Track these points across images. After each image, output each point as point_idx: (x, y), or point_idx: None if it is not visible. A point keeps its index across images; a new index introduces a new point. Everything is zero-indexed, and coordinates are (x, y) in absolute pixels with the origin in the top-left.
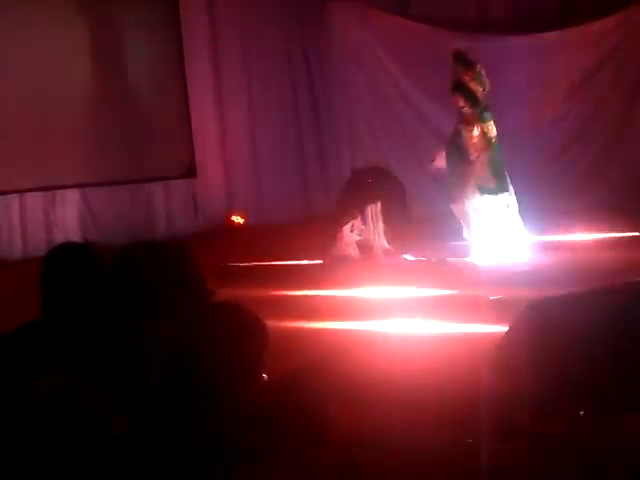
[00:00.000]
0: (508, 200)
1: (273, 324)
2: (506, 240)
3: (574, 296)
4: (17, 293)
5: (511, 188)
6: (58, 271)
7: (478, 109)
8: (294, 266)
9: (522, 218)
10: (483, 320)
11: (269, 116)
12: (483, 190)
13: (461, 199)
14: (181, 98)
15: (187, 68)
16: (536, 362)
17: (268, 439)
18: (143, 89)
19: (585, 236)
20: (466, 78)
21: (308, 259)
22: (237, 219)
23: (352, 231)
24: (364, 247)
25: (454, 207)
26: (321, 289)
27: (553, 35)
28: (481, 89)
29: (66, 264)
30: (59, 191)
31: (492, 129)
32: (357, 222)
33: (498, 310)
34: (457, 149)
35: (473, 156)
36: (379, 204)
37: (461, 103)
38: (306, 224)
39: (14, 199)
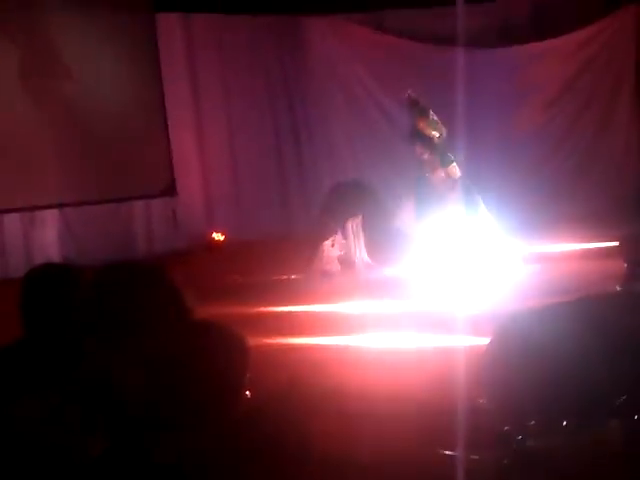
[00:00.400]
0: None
1: (255, 341)
2: (488, 255)
3: (555, 307)
4: None
5: (483, 209)
6: (38, 292)
7: (438, 155)
8: (275, 282)
9: (503, 228)
10: (465, 333)
11: (248, 133)
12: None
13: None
14: (160, 117)
15: (166, 87)
16: (518, 374)
17: (251, 456)
18: (122, 108)
19: (565, 246)
20: (421, 125)
21: (289, 275)
22: (217, 236)
23: (333, 246)
24: (345, 262)
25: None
26: (303, 305)
27: (530, 47)
28: (437, 135)
29: (46, 285)
30: (38, 211)
31: (455, 171)
32: (338, 237)
33: (479, 323)
34: (425, 194)
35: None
36: (359, 218)
37: (420, 151)
38: (287, 240)
39: None
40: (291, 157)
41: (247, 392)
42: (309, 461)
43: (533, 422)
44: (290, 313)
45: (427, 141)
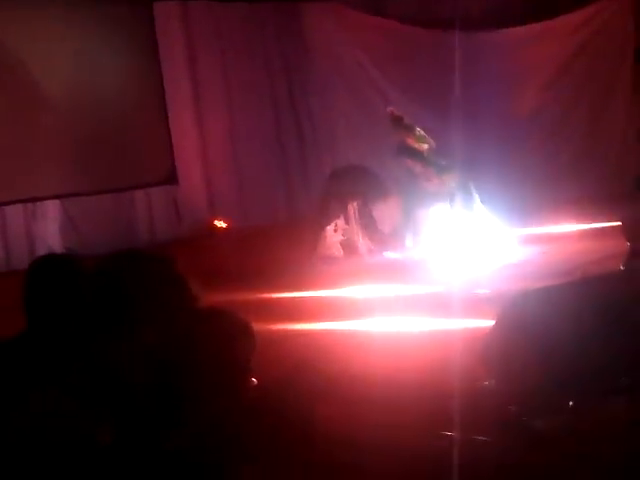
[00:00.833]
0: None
1: (260, 327)
2: (475, 235)
3: (559, 287)
4: (0, 306)
5: (480, 203)
6: (41, 283)
7: (431, 165)
8: (279, 268)
9: (502, 211)
10: (469, 315)
11: (249, 120)
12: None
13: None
14: (160, 105)
15: (165, 76)
16: (522, 355)
17: (257, 440)
18: (121, 97)
19: (567, 227)
20: (409, 141)
21: (292, 261)
22: (220, 224)
23: (336, 231)
24: (348, 247)
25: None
26: (306, 290)
27: (527, 29)
28: (426, 146)
29: (49, 275)
30: (39, 203)
31: (450, 178)
32: (340, 222)
33: (484, 304)
34: (414, 204)
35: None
36: (360, 201)
37: (411, 165)
38: (289, 226)
39: None
40: (292, 143)
41: (253, 378)
42: (314, 445)
43: (537, 402)
44: (294, 299)
45: (418, 155)
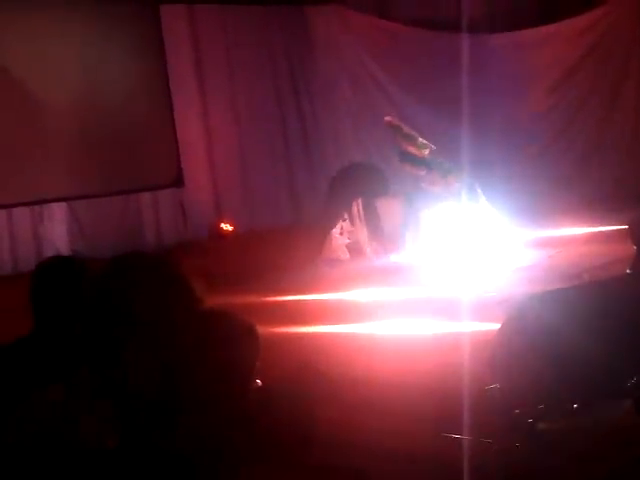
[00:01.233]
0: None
1: (265, 330)
2: (482, 238)
3: (565, 291)
4: (7, 308)
5: (485, 203)
6: (47, 285)
7: (436, 169)
8: (285, 271)
9: (509, 214)
10: (475, 318)
11: (255, 123)
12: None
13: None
14: (166, 108)
15: (171, 79)
16: (528, 358)
17: (259, 441)
18: (128, 99)
19: (573, 230)
20: (410, 149)
21: (298, 263)
22: (226, 226)
23: (341, 234)
24: (354, 250)
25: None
26: (312, 293)
27: (534, 32)
28: (426, 151)
29: (55, 277)
30: (46, 205)
31: (454, 179)
32: (346, 224)
33: (488, 308)
34: (414, 204)
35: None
36: (364, 199)
37: (415, 171)
38: (295, 229)
39: (2, 215)
40: (298, 146)
41: (257, 380)
42: (316, 448)
43: (543, 405)
44: (299, 302)
45: (420, 161)
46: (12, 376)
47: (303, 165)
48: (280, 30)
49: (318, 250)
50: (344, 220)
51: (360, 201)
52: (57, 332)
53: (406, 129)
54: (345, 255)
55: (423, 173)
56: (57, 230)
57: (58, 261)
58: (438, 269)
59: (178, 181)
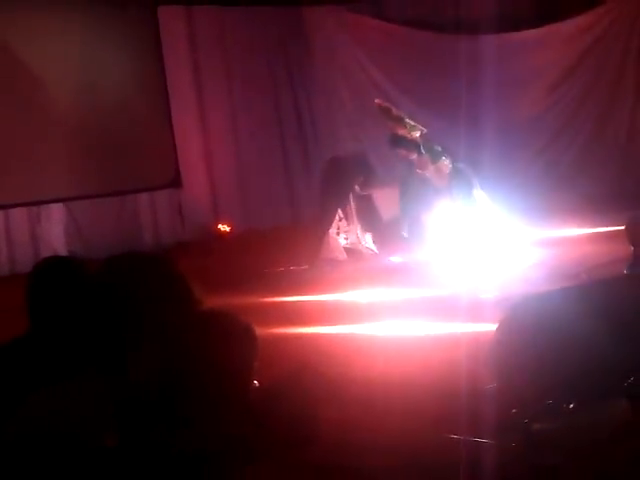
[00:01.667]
0: (485, 217)
1: (263, 330)
2: (481, 238)
3: (562, 291)
4: (4, 309)
5: (484, 197)
6: (44, 285)
7: (426, 152)
8: (282, 272)
9: (507, 213)
10: (473, 319)
11: (252, 123)
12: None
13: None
14: (164, 109)
15: (169, 80)
16: (526, 358)
17: (260, 441)
18: (126, 100)
19: (570, 231)
20: (401, 131)
21: (296, 264)
22: (223, 227)
23: (338, 234)
24: (351, 250)
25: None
26: (310, 294)
27: (532, 33)
28: (418, 134)
29: (52, 278)
30: (44, 205)
31: (445, 164)
32: (342, 224)
33: (486, 309)
34: (410, 191)
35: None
36: (359, 189)
37: (405, 154)
38: (293, 229)
39: None
40: (295, 146)
41: (255, 381)
42: (315, 448)
43: (540, 405)
44: (297, 302)
45: (411, 144)
46: (9, 376)
47: (300, 165)
48: (278, 31)
49: (316, 251)
50: (340, 220)
51: (351, 197)
52: (53, 333)
53: (395, 111)
54: (342, 256)
55: (414, 156)
56: (54, 231)
57: (55, 262)
58: (437, 270)
59: (176, 182)
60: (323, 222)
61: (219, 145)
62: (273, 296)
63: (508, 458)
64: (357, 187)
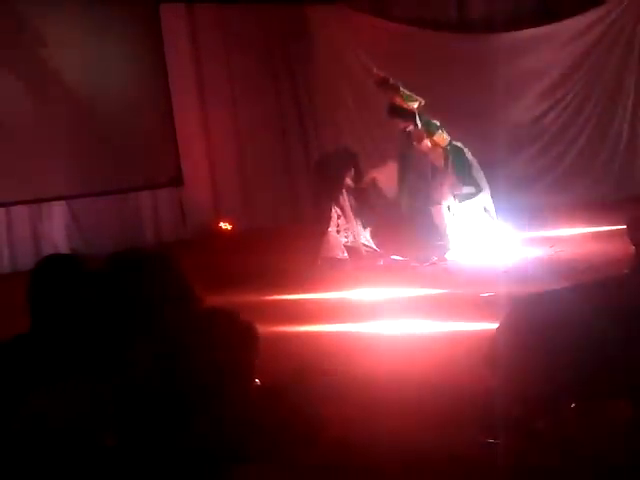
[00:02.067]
0: (484, 201)
1: (264, 329)
2: (485, 240)
3: (564, 290)
4: (6, 306)
5: (486, 186)
6: (46, 283)
7: (423, 124)
8: (283, 270)
9: (506, 215)
10: (474, 318)
11: (254, 121)
12: (459, 199)
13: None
14: (165, 107)
15: (171, 78)
16: (528, 357)
17: (262, 440)
18: (127, 98)
19: (572, 230)
20: (398, 100)
21: (297, 263)
22: (225, 225)
23: (339, 232)
24: (351, 249)
25: (433, 209)
26: (310, 292)
27: (533, 32)
28: (415, 105)
29: (53, 276)
30: (45, 203)
31: (443, 138)
32: (342, 221)
33: (488, 307)
34: (409, 164)
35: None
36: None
37: (403, 125)
38: (294, 228)
39: (0, 213)
40: (297, 144)
41: (257, 380)
42: (317, 446)
43: (542, 405)
44: (298, 301)
45: (408, 114)
46: (11, 374)
47: (302, 164)
48: (279, 29)
49: (316, 249)
50: (339, 217)
51: (345, 192)
52: (55, 330)
53: (392, 80)
54: (343, 254)
55: (411, 127)
56: (56, 228)
57: (56, 259)
58: (438, 268)
59: (177, 180)
60: (321, 220)
61: (220, 144)
62: (274, 294)
63: (510, 457)
64: (349, 180)
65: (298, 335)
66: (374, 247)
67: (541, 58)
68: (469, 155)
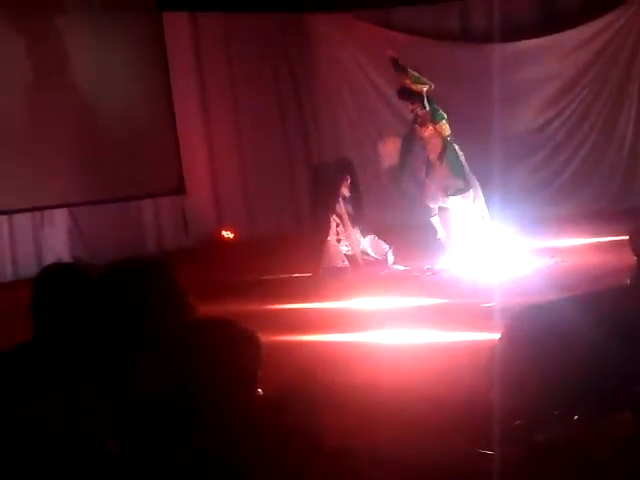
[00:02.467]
0: (481, 209)
1: (267, 338)
2: (480, 246)
3: (565, 301)
4: (8, 315)
5: (477, 186)
6: (48, 292)
7: (430, 108)
8: (285, 280)
9: (508, 224)
10: (474, 328)
11: (256, 131)
12: (449, 192)
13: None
14: (168, 116)
15: (173, 87)
16: (529, 368)
17: (261, 452)
18: (130, 107)
19: (574, 241)
20: (408, 82)
21: (299, 272)
22: (227, 234)
23: (339, 242)
24: (352, 258)
25: (434, 219)
26: (312, 302)
27: (536, 43)
28: (425, 88)
29: (56, 285)
30: (48, 211)
31: (446, 128)
32: (341, 230)
33: (489, 318)
34: (411, 147)
35: (432, 158)
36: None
37: (411, 106)
38: (296, 237)
39: (3, 220)
40: (300, 153)
41: (259, 390)
42: (318, 457)
43: (544, 416)
44: (300, 310)
45: (417, 96)
46: (13, 382)
47: (304, 173)
48: (282, 39)
49: (317, 259)
50: (338, 225)
51: (341, 202)
52: (58, 339)
53: (401, 62)
54: (344, 263)
55: (419, 109)
56: (58, 237)
57: (59, 268)
58: (439, 278)
59: (179, 188)
60: (320, 230)
61: (223, 152)
62: (276, 303)
63: (509, 469)
64: (345, 190)
65: (300, 344)
66: (374, 255)
67: (544, 68)
68: (460, 152)
